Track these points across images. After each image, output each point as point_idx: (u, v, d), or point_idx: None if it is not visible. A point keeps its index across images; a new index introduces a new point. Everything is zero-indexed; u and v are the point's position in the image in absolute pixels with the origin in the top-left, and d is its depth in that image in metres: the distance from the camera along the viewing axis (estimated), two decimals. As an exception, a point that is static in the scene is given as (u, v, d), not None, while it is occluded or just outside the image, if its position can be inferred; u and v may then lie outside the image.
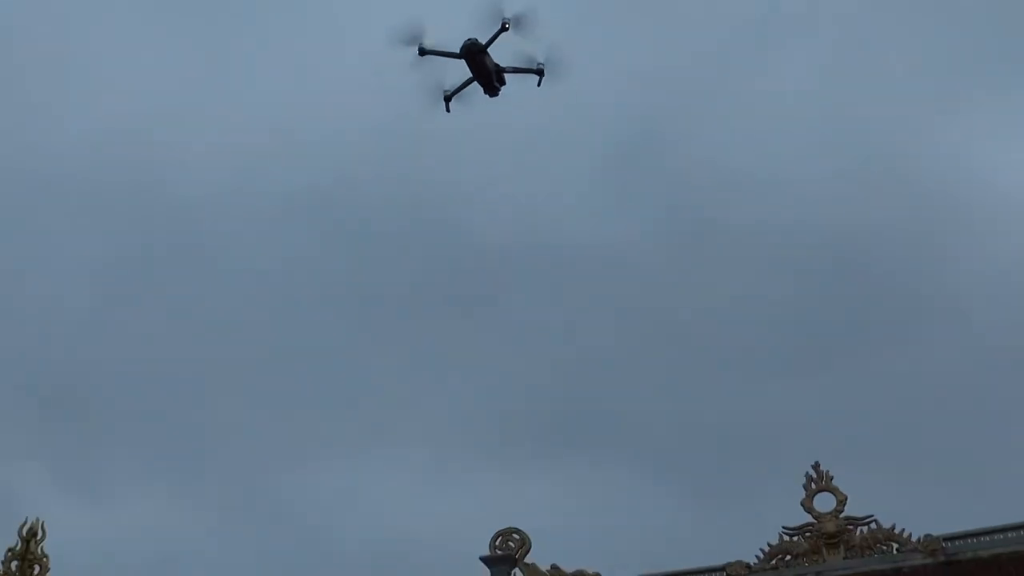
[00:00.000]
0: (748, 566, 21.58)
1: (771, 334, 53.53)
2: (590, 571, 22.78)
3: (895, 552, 20.81)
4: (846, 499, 21.27)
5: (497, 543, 23.51)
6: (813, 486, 21.63)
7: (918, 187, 52.33)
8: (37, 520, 18.21)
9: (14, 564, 17.80)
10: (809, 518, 21.43)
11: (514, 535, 23.54)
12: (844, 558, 20.93)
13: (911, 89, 56.63)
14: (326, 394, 56.63)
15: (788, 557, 21.39)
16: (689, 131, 57.34)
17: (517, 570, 23.22)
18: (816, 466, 21.66)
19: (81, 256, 56.42)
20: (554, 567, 22.90)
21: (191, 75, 60.60)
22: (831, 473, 21.53)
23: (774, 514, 22.32)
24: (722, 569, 21.92)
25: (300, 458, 54.15)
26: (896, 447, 43.43)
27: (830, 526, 21.05)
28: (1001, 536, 20.39)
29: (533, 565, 23.08)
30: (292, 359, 57.13)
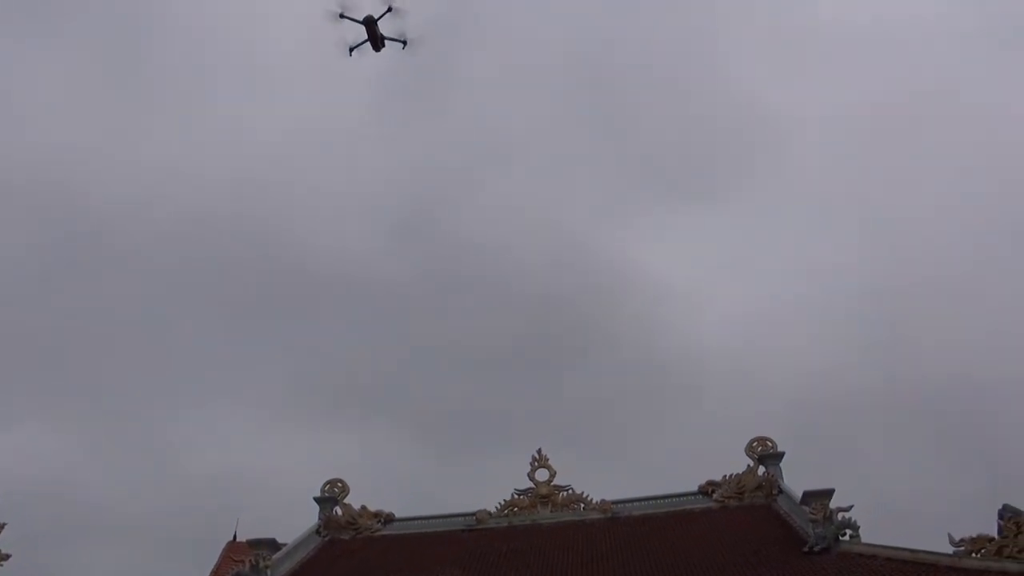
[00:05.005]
0: (490, 513, 28.22)
1: (482, 351, 70.53)
2: (386, 511, 29.20)
3: (582, 509, 27.93)
4: (555, 473, 28.75)
5: (325, 488, 30.14)
6: (536, 464, 29.07)
7: (596, 264, 71.98)
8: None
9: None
10: (531, 484, 28.76)
11: (338, 483, 30.13)
12: (551, 512, 27.96)
13: (601, 200, 77.83)
14: (192, 365, 70.47)
15: (516, 509, 28.20)
16: (452, 209, 76.52)
17: (338, 508, 29.56)
18: (539, 451, 29.33)
19: (13, 243, 66.44)
20: (363, 507, 29.45)
21: (119, 122, 74.36)
22: (547, 456, 29.18)
23: (509, 479, 29.23)
24: (472, 514, 28.21)
25: (172, 408, 66.77)
26: (587, 438, 57.50)
27: (544, 490, 28.45)
28: (649, 502, 27.89)
29: (349, 505, 29.59)
30: (169, 338, 71.23)
